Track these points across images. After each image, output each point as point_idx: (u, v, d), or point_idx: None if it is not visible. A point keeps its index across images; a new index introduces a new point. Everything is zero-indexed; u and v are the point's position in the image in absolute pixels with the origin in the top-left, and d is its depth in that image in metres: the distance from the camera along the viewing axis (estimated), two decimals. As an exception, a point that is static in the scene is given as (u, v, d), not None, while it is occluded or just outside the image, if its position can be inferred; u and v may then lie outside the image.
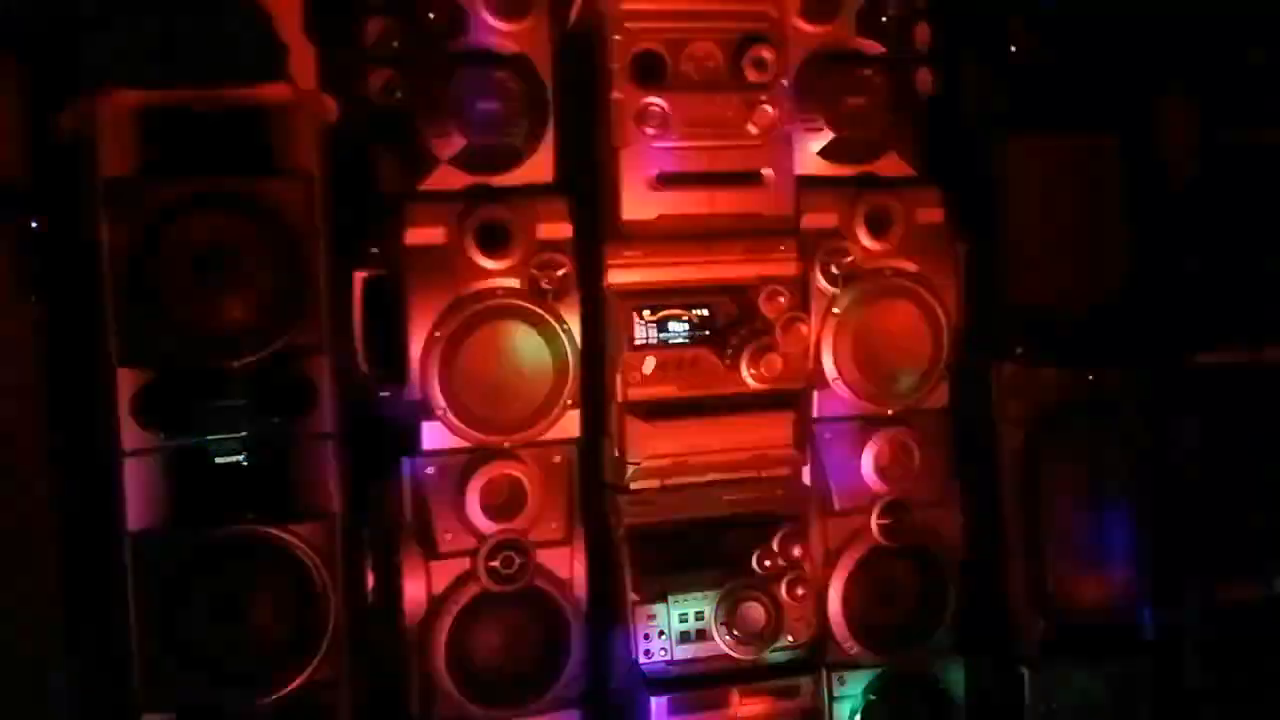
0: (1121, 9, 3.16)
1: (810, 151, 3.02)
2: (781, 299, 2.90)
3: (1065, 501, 3.14)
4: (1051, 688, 3.18)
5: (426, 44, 2.76)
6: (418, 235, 2.72)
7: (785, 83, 2.92)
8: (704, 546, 2.92)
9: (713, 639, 2.88)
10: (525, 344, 2.74)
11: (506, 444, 2.77)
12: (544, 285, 2.76)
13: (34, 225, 2.63)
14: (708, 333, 2.89)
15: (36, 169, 2.64)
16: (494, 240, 2.73)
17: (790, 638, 2.93)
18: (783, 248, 2.94)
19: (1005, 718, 3.21)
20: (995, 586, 3.18)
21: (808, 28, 3.00)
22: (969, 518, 3.13)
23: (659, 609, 2.86)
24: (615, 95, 2.81)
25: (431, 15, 2.75)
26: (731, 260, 2.90)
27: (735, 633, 2.88)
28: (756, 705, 2.90)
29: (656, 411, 2.85)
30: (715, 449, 2.89)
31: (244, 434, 2.68)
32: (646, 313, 2.85)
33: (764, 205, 2.92)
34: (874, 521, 3.02)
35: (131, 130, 2.59)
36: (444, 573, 2.76)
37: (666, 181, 2.84)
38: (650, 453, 2.84)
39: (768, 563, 2.91)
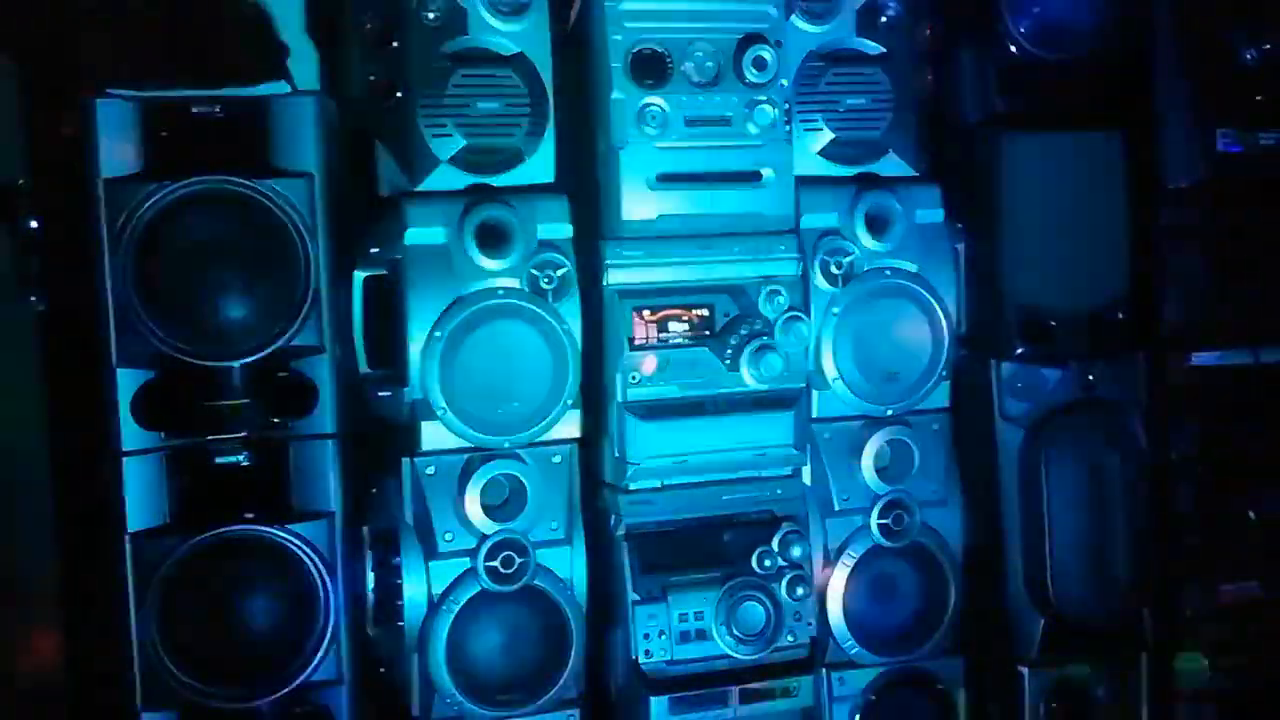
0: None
1: (810, 151, 3.02)
2: (781, 298, 2.90)
3: (1065, 501, 3.13)
4: (1051, 687, 3.18)
5: (426, 43, 2.76)
6: (418, 235, 2.72)
7: (785, 82, 2.92)
8: (704, 546, 2.92)
9: (713, 639, 2.88)
10: (525, 344, 2.74)
11: (506, 444, 2.77)
12: (544, 285, 2.76)
13: (34, 225, 2.63)
14: (707, 333, 2.89)
15: (36, 169, 2.64)
16: (494, 240, 2.73)
17: (790, 637, 2.93)
18: (783, 247, 2.94)
19: (1005, 718, 3.21)
20: (995, 586, 3.18)
21: (807, 27, 3.00)
22: (969, 517, 3.13)
23: (659, 609, 2.86)
24: (615, 95, 2.81)
25: (431, 14, 2.74)
26: (731, 260, 2.90)
27: (735, 632, 2.88)
28: (756, 705, 2.90)
29: (656, 411, 2.85)
30: (715, 449, 2.89)
31: (244, 434, 2.68)
32: (646, 312, 2.86)
33: (764, 205, 2.92)
34: (874, 521, 3.02)
35: (131, 130, 2.59)
36: (444, 573, 2.76)
37: (666, 181, 2.84)
38: (650, 453, 2.84)
39: (768, 562, 2.92)
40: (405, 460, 2.76)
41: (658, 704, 2.84)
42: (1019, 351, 3.12)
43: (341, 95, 2.89)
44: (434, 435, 2.73)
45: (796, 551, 2.92)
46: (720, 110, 2.86)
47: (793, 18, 2.98)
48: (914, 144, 3.09)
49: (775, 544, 2.92)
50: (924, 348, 3.02)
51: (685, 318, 2.88)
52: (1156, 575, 3.23)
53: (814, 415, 3.01)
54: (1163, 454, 3.24)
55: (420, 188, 2.77)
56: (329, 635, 2.71)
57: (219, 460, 2.68)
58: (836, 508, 3.03)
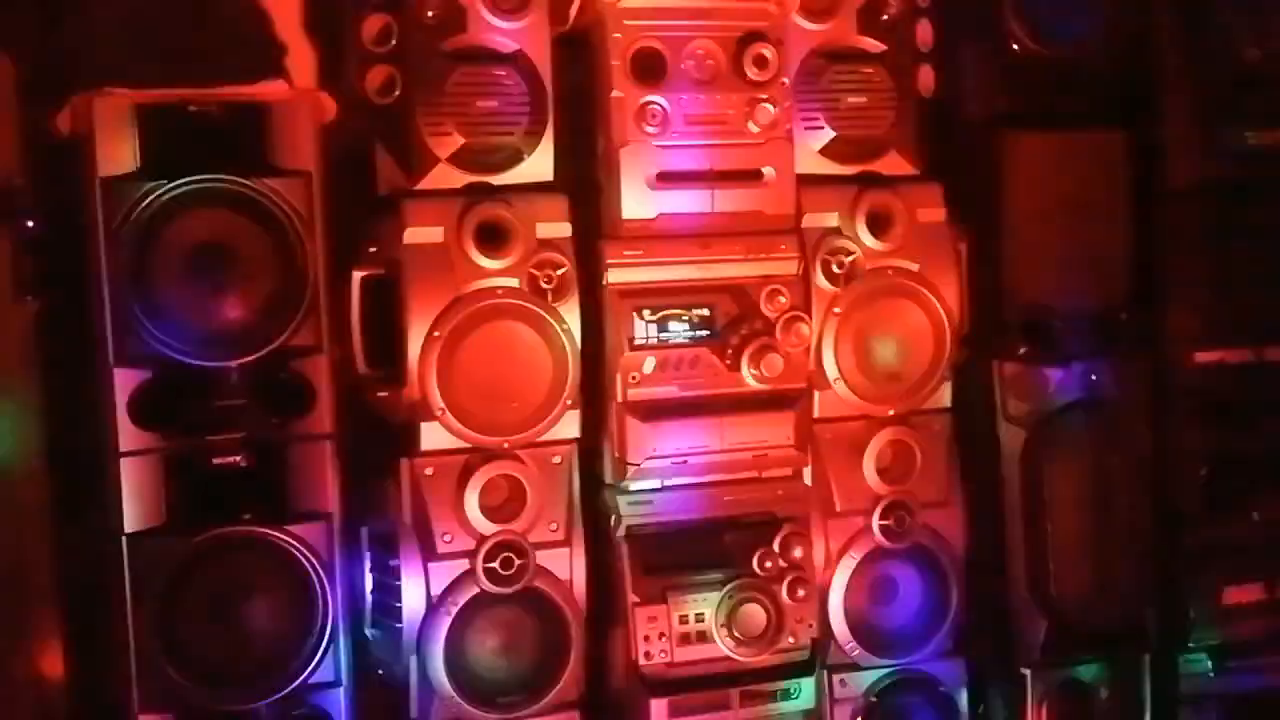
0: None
1: (811, 150, 3.01)
2: (782, 298, 2.90)
3: (1067, 501, 3.13)
4: (1053, 689, 3.17)
5: (425, 42, 2.74)
6: (416, 234, 2.71)
7: (786, 81, 2.91)
8: (704, 547, 2.91)
9: (713, 641, 2.87)
10: (524, 344, 2.73)
11: (506, 444, 2.76)
12: (543, 284, 2.75)
13: (30, 225, 2.62)
14: (708, 332, 2.89)
15: (33, 168, 2.63)
16: (493, 239, 2.72)
17: (791, 639, 2.92)
18: (783, 247, 2.93)
19: (1007, 719, 3.20)
20: (997, 587, 3.17)
21: (808, 25, 2.99)
22: (970, 518, 3.12)
23: (659, 610, 2.85)
24: (615, 93, 2.80)
25: (430, 13, 2.73)
26: (732, 259, 2.89)
27: (736, 634, 2.87)
28: (757, 707, 2.89)
29: (656, 411, 2.85)
30: (715, 449, 2.88)
31: (242, 434, 2.67)
32: (646, 312, 2.85)
33: (765, 204, 2.91)
34: (875, 522, 3.01)
35: (128, 129, 2.58)
36: (443, 574, 2.75)
37: (667, 180, 2.83)
38: (650, 453, 2.84)
39: (769, 564, 2.91)
40: (404, 460, 2.75)
41: (658, 706, 2.83)
42: (1021, 351, 3.12)
43: (340, 93, 2.88)
44: (433, 435, 2.72)
45: (797, 553, 2.91)
46: (721, 109, 2.86)
47: (794, 15, 2.96)
48: (916, 142, 3.08)
49: (776, 545, 2.92)
50: (925, 348, 3.01)
51: (685, 317, 2.88)
52: (1159, 576, 3.22)
53: (815, 415, 3.00)
54: (1165, 454, 3.23)
55: (419, 186, 2.76)
56: (327, 637, 2.71)
57: (217, 461, 2.67)
58: (838, 508, 3.02)
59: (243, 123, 2.65)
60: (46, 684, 2.69)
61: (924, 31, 3.08)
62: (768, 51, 2.86)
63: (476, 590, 2.75)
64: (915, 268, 3.01)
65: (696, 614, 2.87)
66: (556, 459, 2.82)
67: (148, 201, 2.55)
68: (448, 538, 2.75)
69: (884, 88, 3.02)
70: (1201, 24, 3.21)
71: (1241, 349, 3.26)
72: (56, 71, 2.68)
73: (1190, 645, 3.27)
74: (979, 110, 3.16)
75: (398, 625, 2.75)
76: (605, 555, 2.89)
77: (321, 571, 2.70)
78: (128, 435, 2.61)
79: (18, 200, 2.61)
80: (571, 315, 2.78)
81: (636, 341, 2.84)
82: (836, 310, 2.96)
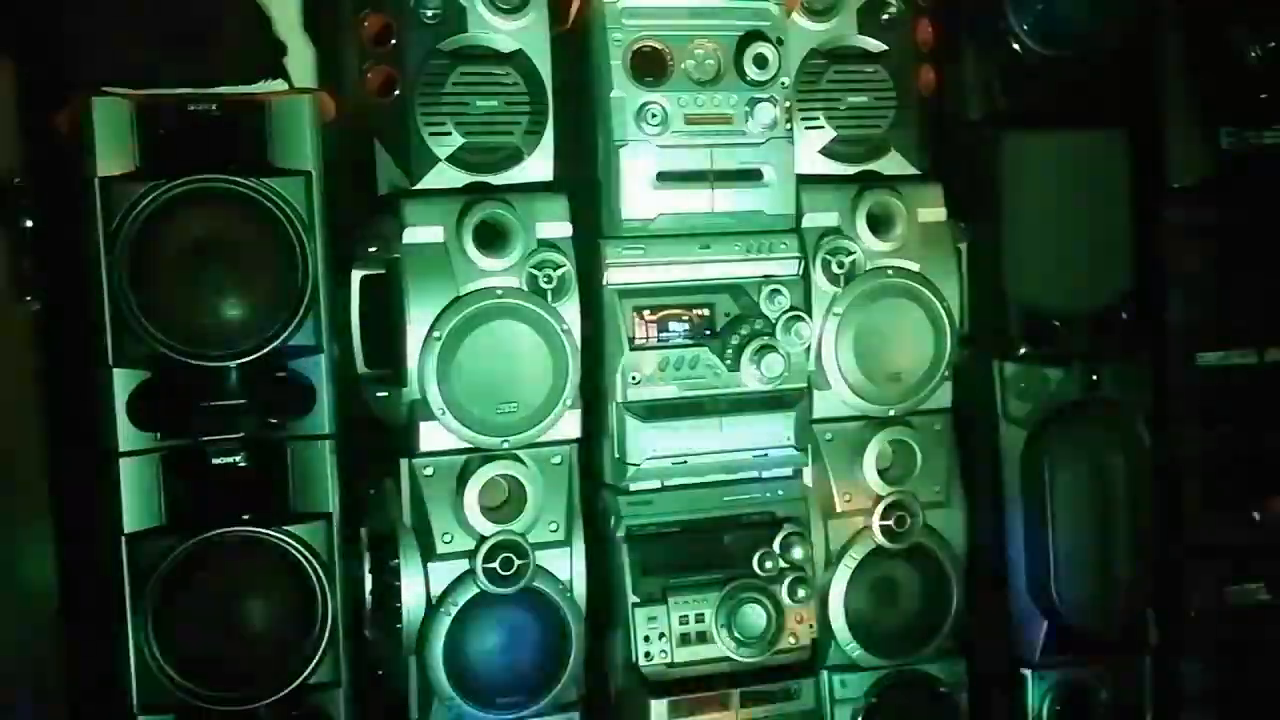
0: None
1: (811, 150, 3.01)
2: (782, 298, 2.89)
3: (1068, 502, 3.12)
4: (1053, 689, 3.16)
5: (425, 42, 2.74)
6: (416, 234, 2.71)
7: (786, 80, 2.91)
8: (704, 548, 2.91)
9: (713, 641, 2.87)
10: (524, 344, 2.73)
11: (505, 445, 2.76)
12: (543, 284, 2.75)
13: (29, 224, 2.62)
14: (708, 332, 2.88)
15: (32, 168, 2.63)
16: (493, 239, 2.72)
17: (791, 640, 2.92)
18: (783, 246, 2.93)
19: (1007, 719, 3.20)
20: (998, 587, 3.17)
21: (809, 25, 2.99)
22: (971, 518, 3.12)
23: (659, 611, 2.84)
24: (615, 93, 2.80)
25: (429, 12, 2.73)
26: (732, 259, 2.89)
27: (736, 635, 2.87)
28: (757, 708, 2.89)
29: (656, 411, 2.84)
30: (715, 449, 2.88)
31: (241, 434, 2.67)
32: (646, 312, 2.84)
33: (765, 204, 2.91)
34: (876, 522, 3.01)
35: (127, 129, 2.58)
36: (443, 574, 2.75)
37: (666, 180, 2.83)
38: (650, 453, 2.83)
39: (769, 564, 2.90)
40: (403, 461, 2.75)
41: (658, 706, 2.83)
42: (1022, 351, 3.12)
43: (340, 93, 2.88)
44: (432, 436, 2.72)
45: (798, 553, 2.91)
46: (721, 108, 2.85)
47: (794, 15, 2.96)
48: (916, 142, 3.08)
49: (776, 545, 2.91)
50: (926, 347, 3.01)
51: (685, 317, 2.88)
52: (1158, 576, 3.21)
53: (815, 415, 3.00)
54: (1166, 454, 3.22)
55: (419, 186, 2.76)
56: (326, 638, 2.71)
57: (216, 461, 2.67)
58: (838, 509, 3.02)
59: (242, 123, 2.65)
60: (47, 685, 2.68)
61: (924, 30, 3.08)
62: (768, 51, 2.86)
63: (476, 591, 2.74)
64: (915, 268, 3.01)
65: (696, 614, 2.86)
66: (556, 459, 2.82)
67: (147, 201, 2.55)
68: (447, 538, 2.75)
69: (885, 87, 3.02)
70: (1201, 24, 3.21)
71: (1242, 349, 3.26)
72: (56, 71, 2.67)
73: (1190, 646, 3.27)
74: (980, 109, 3.16)
75: (397, 626, 2.75)
76: (605, 555, 2.89)
77: (321, 571, 2.70)
78: (127, 435, 2.61)
79: (18, 200, 2.60)
80: (571, 315, 2.78)
81: (636, 341, 2.84)
82: (836, 310, 2.96)
